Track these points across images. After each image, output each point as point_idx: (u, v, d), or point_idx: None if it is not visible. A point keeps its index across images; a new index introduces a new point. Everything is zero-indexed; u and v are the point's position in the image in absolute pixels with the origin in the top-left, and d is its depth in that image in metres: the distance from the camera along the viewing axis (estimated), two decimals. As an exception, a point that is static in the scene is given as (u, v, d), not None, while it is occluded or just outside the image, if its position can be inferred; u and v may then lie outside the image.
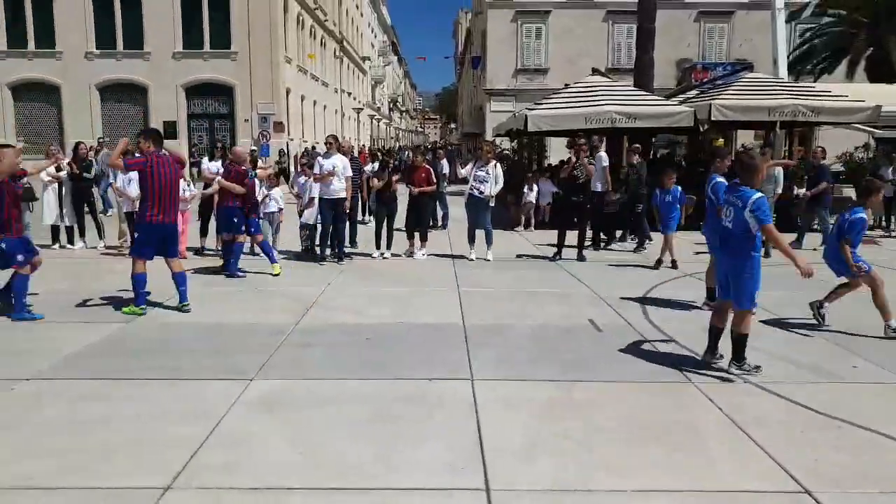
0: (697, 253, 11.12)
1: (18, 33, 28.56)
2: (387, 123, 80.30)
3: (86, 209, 11.25)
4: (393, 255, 10.51)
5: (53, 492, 3.36)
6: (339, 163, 9.76)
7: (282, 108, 29.28)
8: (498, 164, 10.12)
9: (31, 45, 28.63)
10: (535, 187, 14.34)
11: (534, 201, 14.33)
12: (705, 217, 7.34)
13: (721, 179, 6.90)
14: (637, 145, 12.45)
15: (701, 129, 15.28)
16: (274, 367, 5.23)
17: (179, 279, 6.98)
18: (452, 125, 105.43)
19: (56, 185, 10.83)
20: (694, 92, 18.03)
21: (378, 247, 10.51)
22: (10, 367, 5.15)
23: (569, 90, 15.49)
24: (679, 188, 9.81)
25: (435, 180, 11.03)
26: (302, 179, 10.77)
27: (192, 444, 3.86)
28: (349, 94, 49.30)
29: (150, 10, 28.24)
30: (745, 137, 25.13)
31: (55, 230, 10.98)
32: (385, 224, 10.50)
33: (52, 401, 4.51)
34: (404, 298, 7.72)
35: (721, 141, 19.86)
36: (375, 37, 69.43)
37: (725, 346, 5.31)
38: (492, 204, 10.08)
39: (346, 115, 48.15)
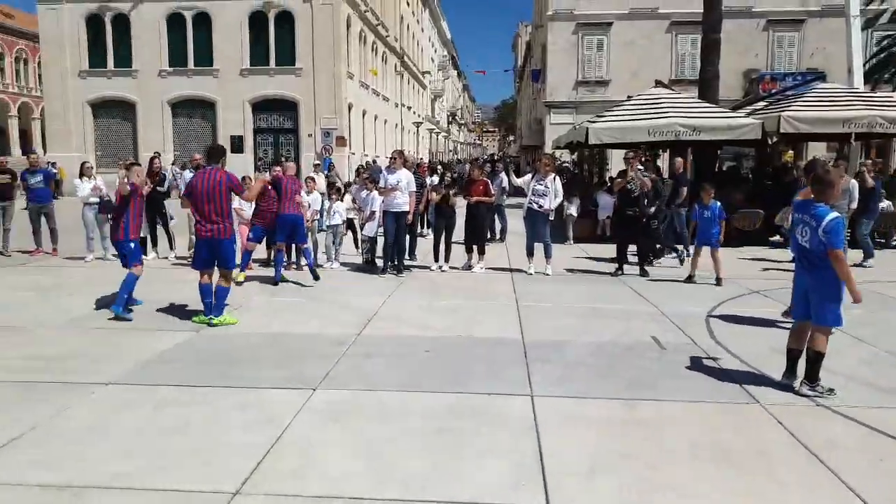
0: (766, 269, 10.80)
1: (99, 54, 30.15)
2: (445, 136, 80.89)
3: (158, 220, 11.71)
4: (451, 268, 10.57)
5: (132, 492, 3.52)
6: (404, 177, 9.93)
7: (344, 123, 29.86)
8: (557, 178, 10.06)
9: (111, 65, 30.14)
10: (574, 201, 14.19)
11: (575, 214, 14.20)
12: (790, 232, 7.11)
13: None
14: (641, 168, 11.76)
15: (769, 141, 14.83)
16: (337, 378, 5.33)
17: (219, 292, 7.05)
18: (511, 138, 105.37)
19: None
20: (762, 103, 17.53)
21: (437, 259, 10.59)
22: (89, 372, 5.41)
23: (631, 102, 15.30)
24: (718, 204, 9.40)
25: (493, 193, 11.04)
26: (364, 193, 10.96)
27: (259, 451, 3.97)
28: (409, 108, 49.92)
29: (220, 29, 29.35)
30: (816, 150, 24.25)
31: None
32: (443, 237, 10.58)
33: (128, 405, 4.71)
34: (463, 312, 7.75)
35: (791, 153, 19.24)
36: (435, 51, 70.19)
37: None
38: (551, 217, 10.03)
39: (406, 129, 48.75)
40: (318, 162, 20.13)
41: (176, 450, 3.99)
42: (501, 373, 5.48)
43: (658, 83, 17.12)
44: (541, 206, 9.86)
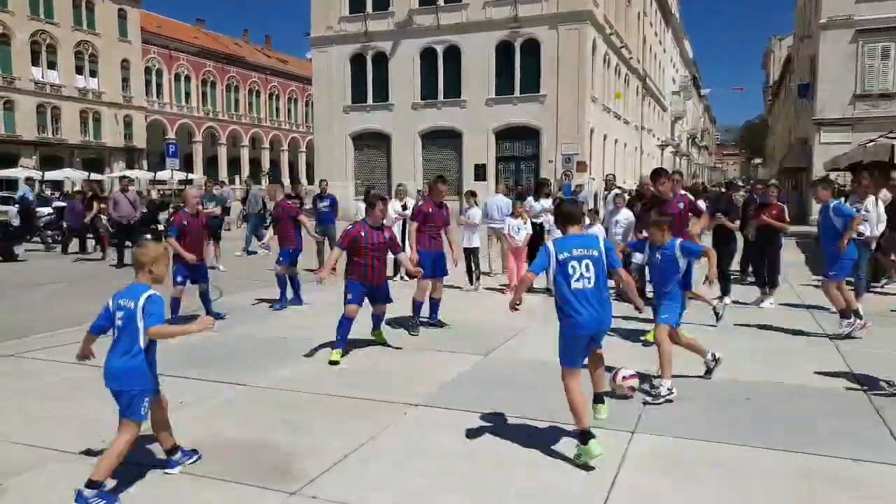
0: None
1: (360, 90, 33.01)
2: (687, 159, 76.75)
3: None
4: (733, 302, 9.40)
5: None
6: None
7: (585, 148, 29.37)
8: (880, 201, 8.53)
9: (370, 100, 32.85)
10: None
11: None
12: None
13: None
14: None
15: None
16: (651, 421, 4.78)
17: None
18: (758, 160, 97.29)
19: (401, 221, 11.92)
20: None
21: (724, 292, 9.47)
22: (401, 391, 5.48)
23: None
24: None
25: (787, 220, 9.73)
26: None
27: (596, 497, 3.62)
28: (649, 130, 48.05)
29: (468, 63, 30.51)
30: None
31: (396, 263, 11.95)
32: (724, 266, 9.52)
33: (434, 427, 4.70)
34: (771, 353, 6.79)
35: None
36: (677, 72, 67.09)
37: None
38: (872, 247, 8.49)
39: (646, 153, 46.92)
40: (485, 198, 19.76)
41: (496, 483, 3.80)
42: (851, 429, 4.57)
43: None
44: (860, 234, 8.35)
